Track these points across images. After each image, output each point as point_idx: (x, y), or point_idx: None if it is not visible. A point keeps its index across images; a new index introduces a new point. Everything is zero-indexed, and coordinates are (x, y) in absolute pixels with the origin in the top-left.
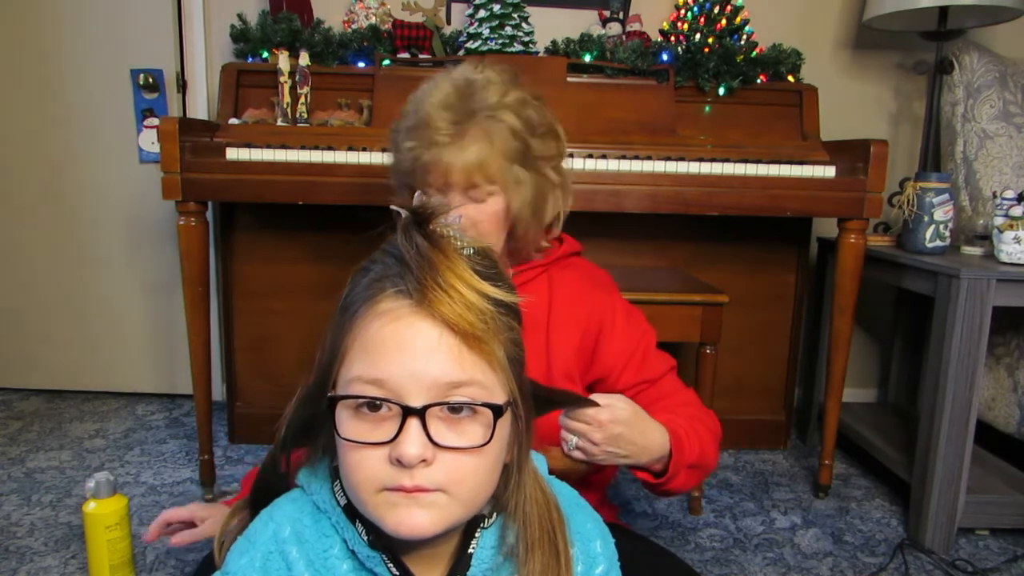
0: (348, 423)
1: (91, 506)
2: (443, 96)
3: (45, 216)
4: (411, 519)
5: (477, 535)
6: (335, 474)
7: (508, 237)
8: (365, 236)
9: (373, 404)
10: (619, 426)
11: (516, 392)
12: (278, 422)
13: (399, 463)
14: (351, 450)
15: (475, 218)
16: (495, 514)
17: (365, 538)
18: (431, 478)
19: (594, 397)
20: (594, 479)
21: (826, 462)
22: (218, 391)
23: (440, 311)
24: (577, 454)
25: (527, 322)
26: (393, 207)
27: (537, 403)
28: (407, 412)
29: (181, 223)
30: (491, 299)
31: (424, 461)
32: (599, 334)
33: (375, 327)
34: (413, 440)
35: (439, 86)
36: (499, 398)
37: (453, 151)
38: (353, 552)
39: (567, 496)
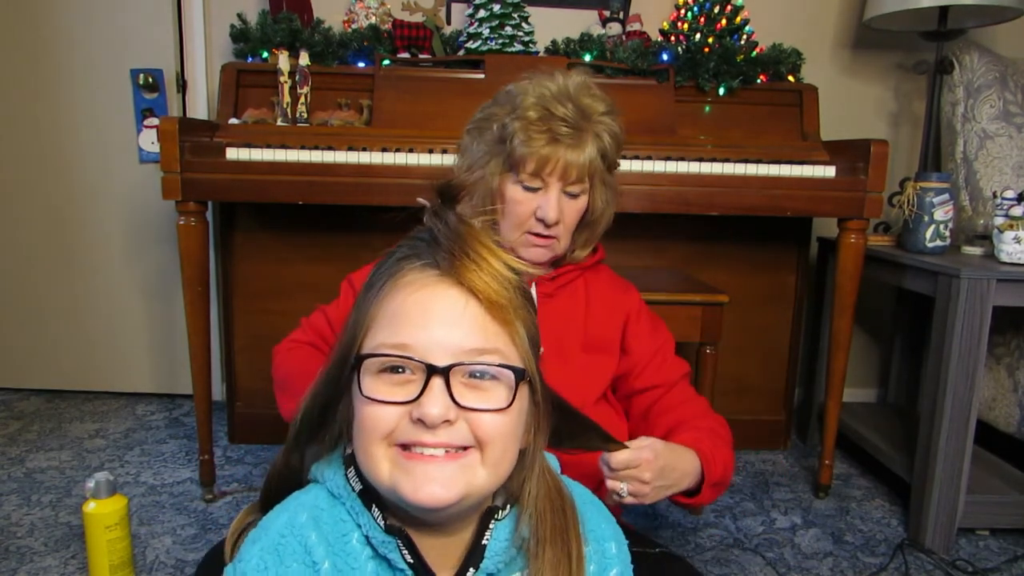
0: (370, 383)
1: (91, 506)
2: (563, 94)
3: (45, 216)
4: (428, 486)
5: (491, 526)
6: (349, 461)
7: (575, 235)
8: (371, 235)
9: (396, 368)
10: (662, 458)
11: (534, 371)
12: (293, 415)
13: (421, 423)
14: (370, 407)
15: (565, 211)
16: (509, 506)
17: (380, 523)
18: (457, 435)
19: (629, 444)
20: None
21: (826, 462)
22: (218, 391)
23: (468, 278)
24: (630, 500)
25: (567, 318)
26: (420, 200)
27: (567, 425)
28: (431, 371)
29: (181, 223)
30: (515, 271)
31: (447, 422)
32: (626, 329)
33: (400, 297)
34: (437, 399)
35: (555, 83)
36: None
37: (573, 149)
38: (368, 538)
39: (582, 495)
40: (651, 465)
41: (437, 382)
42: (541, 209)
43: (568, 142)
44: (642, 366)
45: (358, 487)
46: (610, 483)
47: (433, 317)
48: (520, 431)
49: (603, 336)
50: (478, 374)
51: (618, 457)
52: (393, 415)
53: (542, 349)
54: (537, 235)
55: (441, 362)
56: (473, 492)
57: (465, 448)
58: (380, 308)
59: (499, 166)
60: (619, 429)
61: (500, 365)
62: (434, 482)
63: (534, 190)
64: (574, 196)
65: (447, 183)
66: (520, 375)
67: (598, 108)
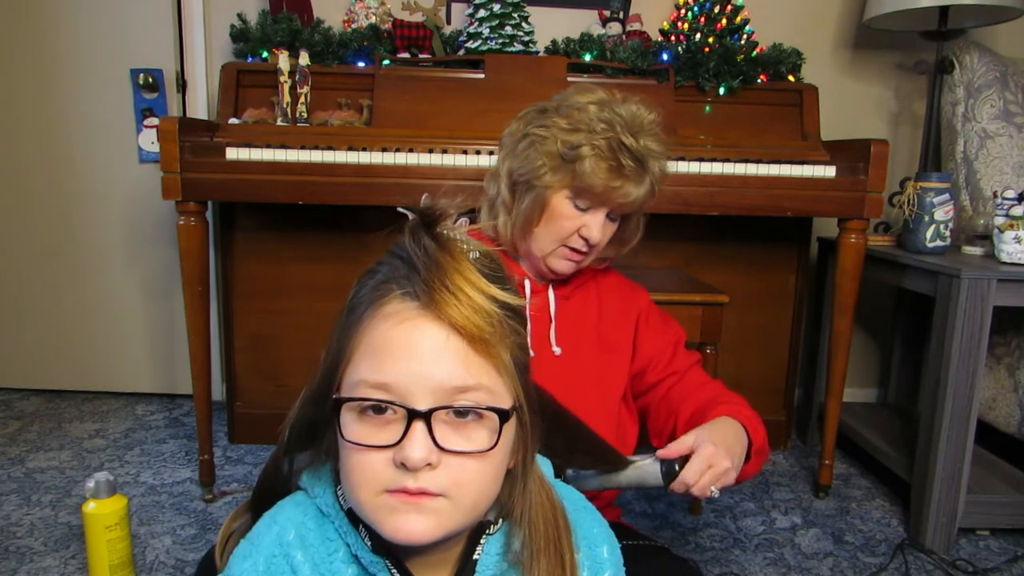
0: (352, 425)
1: (91, 506)
2: (634, 126)
3: (45, 216)
4: (409, 524)
5: (483, 541)
6: (339, 478)
7: (605, 248)
8: (371, 235)
9: (378, 407)
10: (718, 440)
11: (522, 397)
12: (282, 424)
13: (403, 466)
14: (354, 452)
15: (605, 231)
16: (501, 520)
17: (368, 543)
18: (435, 482)
19: (676, 448)
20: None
21: (826, 462)
22: (218, 391)
23: (447, 313)
24: (719, 490)
25: (583, 319)
26: (401, 208)
27: (565, 436)
28: (412, 415)
29: (181, 223)
30: (498, 302)
31: (429, 465)
32: (637, 329)
33: (382, 329)
34: (418, 443)
35: (625, 110)
36: (505, 403)
37: (635, 184)
38: (356, 557)
39: (574, 500)
40: (717, 452)
41: (419, 425)
42: (587, 228)
43: (632, 177)
44: (656, 360)
45: (347, 506)
46: (699, 493)
47: (414, 354)
48: (505, 464)
49: (616, 336)
50: (462, 411)
51: (692, 468)
52: (378, 463)
53: (559, 351)
54: (574, 250)
55: (423, 404)
56: (452, 530)
57: (443, 495)
58: (361, 338)
59: (556, 181)
60: (630, 434)
61: (485, 408)
62: (414, 521)
63: (583, 209)
64: (615, 220)
65: (430, 206)
66: (504, 417)
67: (657, 148)
